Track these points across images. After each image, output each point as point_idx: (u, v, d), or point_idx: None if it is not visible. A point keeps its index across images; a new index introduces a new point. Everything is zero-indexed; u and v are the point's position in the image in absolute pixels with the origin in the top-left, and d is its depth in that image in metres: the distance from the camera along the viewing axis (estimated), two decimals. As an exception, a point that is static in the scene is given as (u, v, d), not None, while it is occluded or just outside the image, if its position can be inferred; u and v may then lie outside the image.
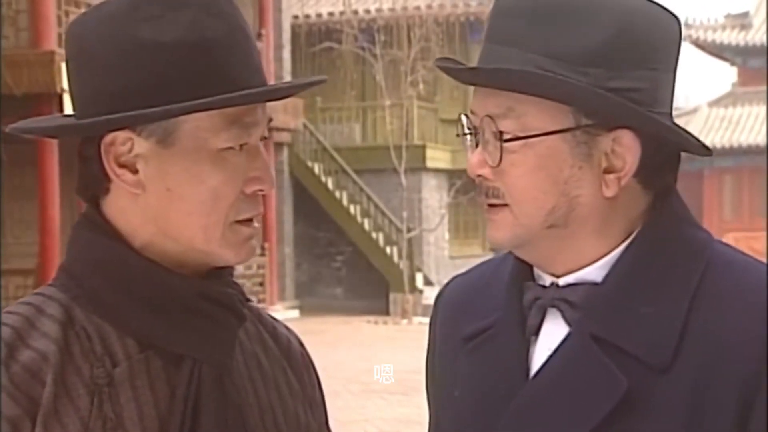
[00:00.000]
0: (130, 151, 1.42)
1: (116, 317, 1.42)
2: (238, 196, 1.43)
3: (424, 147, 23.25)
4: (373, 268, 22.65)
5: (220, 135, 1.41)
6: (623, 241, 1.44)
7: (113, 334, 1.42)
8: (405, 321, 20.38)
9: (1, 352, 1.36)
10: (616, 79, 1.38)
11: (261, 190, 1.45)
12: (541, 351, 1.44)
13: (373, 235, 22.85)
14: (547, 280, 1.47)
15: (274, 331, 1.61)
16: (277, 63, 22.31)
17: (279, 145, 22.14)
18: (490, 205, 1.44)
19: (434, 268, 23.59)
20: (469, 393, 1.50)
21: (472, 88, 1.46)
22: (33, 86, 14.23)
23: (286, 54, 23.60)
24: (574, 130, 1.39)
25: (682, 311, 1.38)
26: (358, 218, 22.95)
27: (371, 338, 17.78)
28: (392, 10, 24.40)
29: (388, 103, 22.73)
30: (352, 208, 23.02)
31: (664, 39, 1.43)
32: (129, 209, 1.44)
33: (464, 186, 21.33)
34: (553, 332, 1.44)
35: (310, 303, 22.54)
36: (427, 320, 1.70)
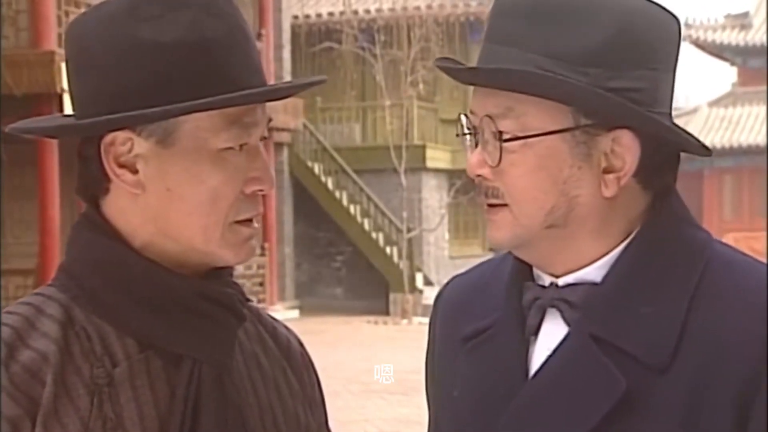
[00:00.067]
0: (129, 151, 1.42)
1: (116, 317, 1.42)
2: (238, 197, 1.43)
3: (424, 147, 23.25)
4: (373, 268, 22.65)
5: (220, 135, 1.41)
6: (622, 241, 1.43)
7: (113, 334, 1.42)
8: (405, 321, 20.38)
9: (1, 352, 1.36)
10: (615, 79, 1.39)
11: (261, 191, 1.45)
12: (541, 351, 1.44)
13: (373, 235, 22.85)
14: (547, 280, 1.47)
15: (274, 331, 1.61)
16: (277, 63, 22.31)
17: (279, 145, 22.14)
18: (490, 205, 1.44)
19: (434, 268, 23.60)
20: (468, 393, 1.50)
21: (472, 88, 1.46)
22: (33, 86, 14.24)
23: (286, 54, 23.60)
24: (574, 130, 1.39)
25: (681, 311, 1.38)
26: (358, 218, 22.95)
27: (371, 338, 17.78)
28: (392, 10, 24.40)
29: (388, 103, 22.72)
30: (352, 208, 23.02)
31: (663, 39, 1.43)
32: (129, 209, 1.44)
33: (464, 186, 21.33)
34: (552, 332, 1.44)
35: (310, 303, 22.54)
36: (427, 320, 1.70)
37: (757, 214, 32.62)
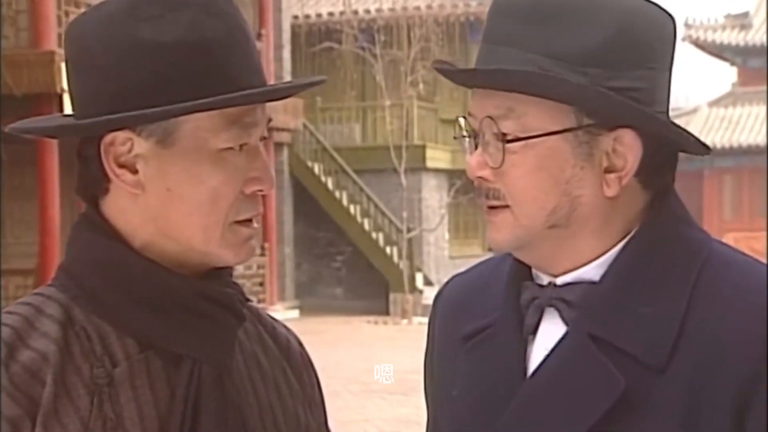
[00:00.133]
0: (129, 151, 1.42)
1: (116, 317, 1.42)
2: (238, 197, 1.43)
3: (424, 147, 23.26)
4: (373, 268, 22.65)
5: (220, 135, 1.41)
6: (621, 240, 1.44)
7: (113, 334, 1.42)
8: (405, 321, 20.38)
9: (1, 353, 1.36)
10: (615, 79, 1.39)
11: (260, 191, 1.45)
12: (539, 350, 1.45)
13: (373, 235, 22.85)
14: (545, 279, 1.47)
15: (274, 331, 1.61)
16: (277, 63, 22.31)
17: (279, 145, 22.14)
18: (491, 207, 1.44)
19: (434, 268, 23.60)
20: (467, 392, 1.50)
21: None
22: (33, 86, 14.24)
23: (286, 54, 23.60)
24: (576, 129, 1.39)
25: (680, 311, 1.38)
26: (358, 218, 22.95)
27: (371, 338, 17.78)
28: (392, 10, 24.40)
29: (388, 103, 22.72)
30: (352, 208, 23.02)
31: (661, 38, 1.44)
32: (128, 209, 1.44)
33: (464, 186, 21.33)
34: (550, 331, 1.44)
35: (310, 303, 22.54)
36: (427, 320, 1.70)
37: (757, 214, 32.62)
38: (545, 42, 1.38)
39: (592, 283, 1.43)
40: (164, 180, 1.41)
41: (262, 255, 20.04)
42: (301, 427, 1.56)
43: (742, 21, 37.55)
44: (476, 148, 1.43)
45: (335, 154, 23.43)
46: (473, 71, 1.42)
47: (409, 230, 22.08)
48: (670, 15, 1.44)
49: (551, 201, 1.40)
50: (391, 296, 21.66)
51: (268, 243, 20.51)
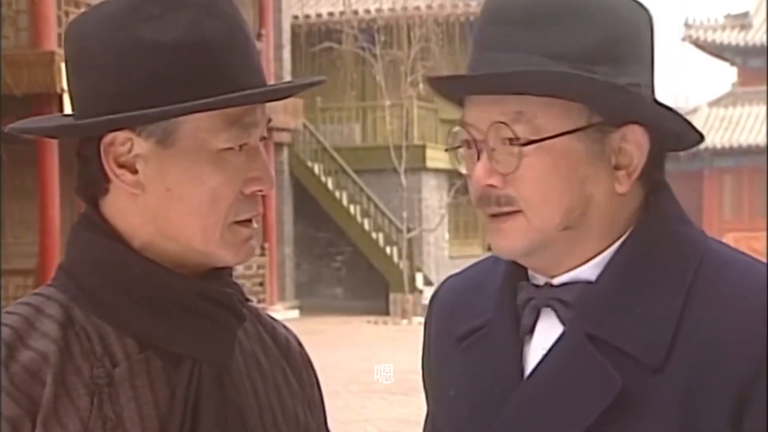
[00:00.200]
0: (129, 151, 1.42)
1: (116, 317, 1.42)
2: (238, 197, 1.43)
3: (424, 147, 23.26)
4: (373, 268, 22.65)
5: (220, 135, 1.41)
6: (617, 239, 1.43)
7: (113, 334, 1.42)
8: (405, 321, 20.39)
9: (1, 353, 1.36)
10: (621, 75, 1.39)
11: (260, 191, 1.45)
12: (536, 350, 1.44)
13: (373, 235, 22.86)
14: (541, 279, 1.46)
15: (273, 331, 1.61)
16: (277, 63, 22.32)
17: (279, 145, 22.14)
18: (500, 214, 1.41)
19: (434, 268, 23.60)
20: (463, 393, 1.50)
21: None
22: (33, 86, 14.25)
23: (286, 54, 23.60)
24: (587, 128, 1.39)
25: (677, 310, 1.38)
26: (358, 218, 22.96)
27: (371, 338, 17.79)
28: (392, 10, 24.40)
29: (388, 103, 22.73)
30: (352, 208, 23.02)
31: (646, 33, 1.45)
32: (128, 209, 1.44)
33: (464, 186, 21.01)
34: (547, 331, 1.44)
35: (310, 303, 22.54)
36: (427, 320, 1.70)
37: (757, 214, 32.62)
38: (547, 43, 1.38)
39: (589, 282, 1.43)
40: (164, 180, 1.41)
41: (262, 255, 20.05)
42: (300, 426, 1.56)
43: (742, 21, 37.56)
44: (478, 157, 1.41)
45: (335, 154, 23.43)
46: (485, 77, 1.39)
47: (409, 230, 22.08)
48: (646, 10, 1.45)
49: (566, 201, 1.40)
50: (391, 296, 21.66)
51: (268, 243, 20.51)
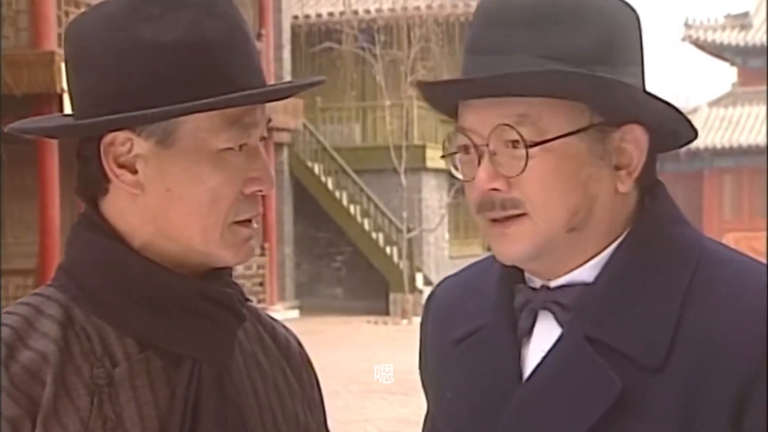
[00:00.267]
0: (129, 151, 1.42)
1: (116, 317, 1.42)
2: (238, 197, 1.43)
3: (424, 147, 23.25)
4: (373, 268, 22.65)
5: (220, 135, 1.41)
6: (614, 240, 1.43)
7: (113, 334, 1.42)
8: (405, 321, 20.39)
9: (1, 353, 1.36)
10: (620, 75, 1.39)
11: (260, 191, 1.45)
12: (534, 353, 1.44)
13: (373, 235, 22.86)
14: (537, 282, 1.46)
15: (273, 331, 1.61)
16: (277, 63, 22.32)
17: (279, 145, 22.15)
18: (505, 218, 1.40)
19: (434, 268, 23.60)
20: (461, 395, 1.49)
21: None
22: (33, 86, 14.25)
23: (286, 54, 23.60)
24: (590, 128, 1.39)
25: (675, 310, 1.38)
26: (358, 218, 22.96)
27: (371, 338, 17.79)
28: (392, 10, 24.40)
29: (388, 103, 22.73)
30: (352, 208, 23.02)
31: (637, 33, 1.45)
32: (128, 209, 1.44)
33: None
34: (545, 334, 1.43)
35: (310, 303, 22.54)
36: (427, 320, 1.70)
37: (757, 214, 32.62)
38: (544, 45, 1.38)
39: (586, 284, 1.42)
40: (164, 180, 1.41)
41: (262, 255, 20.05)
42: (300, 426, 1.56)
43: (742, 21, 37.57)
44: (479, 162, 1.41)
45: (335, 154, 23.43)
46: (491, 79, 1.38)
47: (409, 230, 22.08)
48: (634, 10, 1.45)
49: (572, 202, 1.39)
50: (391, 296, 21.67)
51: (268, 243, 20.51)
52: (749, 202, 34.34)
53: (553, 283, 1.44)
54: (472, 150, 1.42)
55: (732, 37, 37.23)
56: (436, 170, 23.77)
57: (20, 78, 14.23)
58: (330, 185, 23.26)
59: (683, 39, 38.42)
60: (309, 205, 23.10)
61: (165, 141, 1.41)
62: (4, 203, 15.81)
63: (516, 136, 1.38)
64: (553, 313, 1.43)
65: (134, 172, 1.42)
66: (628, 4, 1.45)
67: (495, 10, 1.41)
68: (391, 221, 22.85)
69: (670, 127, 1.44)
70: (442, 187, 24.28)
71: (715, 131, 34.59)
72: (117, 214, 1.45)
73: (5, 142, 13.30)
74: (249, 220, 1.45)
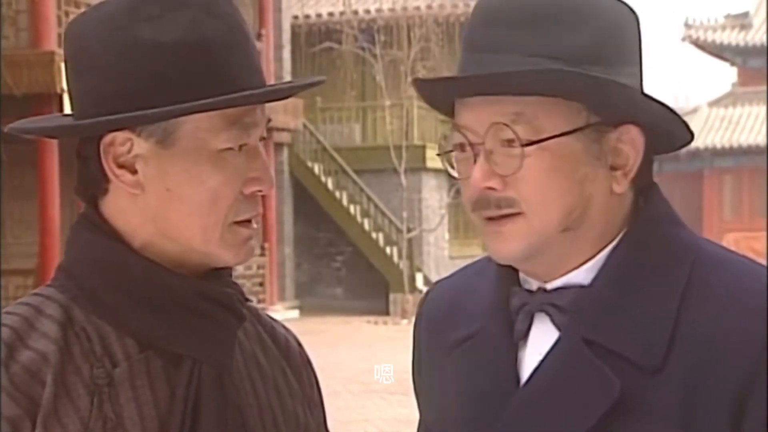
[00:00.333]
0: (129, 151, 1.42)
1: (116, 317, 1.42)
2: (237, 197, 1.43)
3: (424, 147, 23.25)
4: (373, 268, 22.66)
5: (220, 135, 1.41)
6: (610, 242, 1.43)
7: (113, 334, 1.42)
8: (405, 321, 20.38)
9: (1, 353, 1.36)
10: (616, 76, 1.39)
11: (260, 191, 1.45)
12: (531, 356, 1.43)
13: (373, 235, 22.87)
14: (534, 284, 1.46)
15: (273, 331, 1.61)
16: (277, 63, 22.32)
17: (279, 146, 22.15)
18: (500, 217, 1.40)
19: (434, 268, 23.60)
20: (458, 400, 1.48)
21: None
22: (33, 86, 14.25)
23: (286, 54, 23.61)
24: (586, 128, 1.39)
25: (672, 311, 1.37)
26: (358, 218, 22.96)
27: (371, 338, 17.79)
28: (392, 10, 24.41)
29: (388, 103, 22.74)
30: (352, 209, 23.03)
31: (636, 34, 1.45)
32: (128, 209, 1.44)
33: (464, 186, 21.27)
34: (542, 337, 1.43)
35: (310, 303, 22.55)
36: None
37: (757, 214, 32.61)
38: (541, 45, 1.38)
39: (582, 286, 1.42)
40: (164, 180, 1.41)
41: (262, 255, 20.05)
42: (300, 426, 1.56)
43: (742, 21, 37.58)
44: (475, 160, 1.40)
45: (335, 154, 23.44)
46: (485, 77, 1.38)
47: (409, 230, 22.09)
48: (633, 11, 1.45)
49: (567, 202, 1.39)
50: (391, 296, 21.67)
51: (268, 243, 20.52)
52: (749, 202, 34.34)
53: (549, 286, 1.44)
54: (468, 148, 1.41)
55: (732, 37, 37.24)
56: (436, 170, 23.77)
57: (20, 78, 14.24)
58: (330, 185, 23.26)
59: (683, 39, 38.43)
60: (309, 205, 23.11)
61: (165, 141, 1.41)
62: (4, 203, 15.82)
63: (511, 135, 1.38)
64: (549, 315, 1.43)
65: (134, 172, 1.42)
66: (626, 5, 1.45)
67: (493, 8, 1.41)
68: (391, 221, 22.86)
69: (666, 128, 1.43)
70: (442, 187, 24.29)
71: (715, 131, 34.59)
72: (117, 214, 1.45)
73: (5, 142, 13.30)
74: (249, 220, 1.45)
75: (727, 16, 38.16)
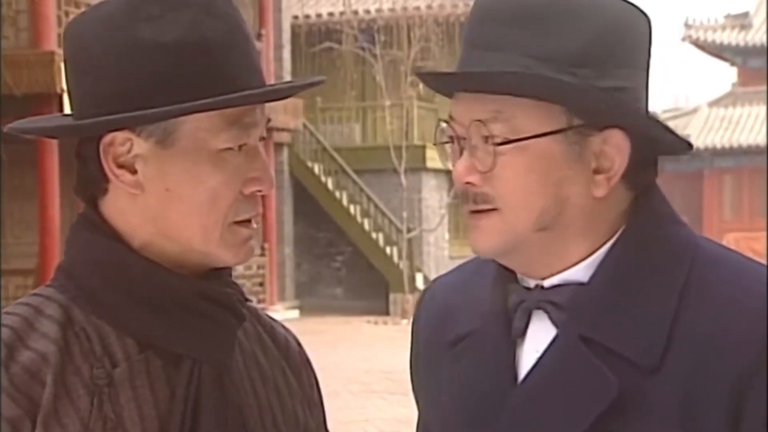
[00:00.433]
0: (129, 151, 1.42)
1: (115, 317, 1.42)
2: (237, 197, 1.43)
3: (424, 147, 23.25)
4: (373, 268, 22.66)
5: (220, 135, 1.41)
6: (608, 240, 1.43)
7: (112, 334, 1.42)
8: (405, 321, 20.37)
9: (1, 353, 1.36)
10: (603, 79, 1.39)
11: (260, 191, 1.45)
12: (529, 353, 1.44)
13: (373, 235, 22.87)
14: (531, 282, 1.46)
15: (273, 330, 1.61)
16: (277, 63, 22.32)
17: (279, 146, 22.15)
18: (477, 211, 1.42)
19: (434, 268, 23.59)
20: (457, 398, 1.48)
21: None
22: (33, 86, 14.26)
23: (286, 54, 23.61)
24: (566, 130, 1.39)
25: (670, 310, 1.37)
26: (358, 218, 22.96)
27: (371, 338, 17.79)
28: (392, 10, 24.41)
29: (388, 103, 22.74)
30: (352, 209, 23.03)
31: (639, 37, 1.44)
32: (128, 209, 1.44)
33: (464, 186, 21.25)
34: (539, 334, 1.43)
35: (310, 303, 22.55)
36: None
37: (757, 214, 32.63)
38: (531, 45, 1.38)
39: (581, 284, 1.42)
40: (163, 180, 1.41)
41: (262, 255, 20.05)
42: (300, 426, 1.56)
43: (742, 21, 37.58)
44: (461, 153, 1.42)
45: (335, 154, 23.44)
46: (461, 74, 1.41)
47: (409, 230, 22.08)
48: (645, 14, 1.44)
49: (541, 202, 1.40)
50: (391, 296, 21.67)
51: (268, 243, 20.52)
52: (749, 202, 34.34)
53: (546, 283, 1.44)
54: (456, 141, 1.43)
55: (732, 37, 37.24)
56: (436, 170, 23.78)
57: (20, 78, 14.24)
58: (330, 185, 23.26)
59: (683, 39, 38.43)
60: (309, 205, 23.11)
61: (165, 141, 1.41)
62: (4, 203, 15.82)
63: (488, 132, 1.39)
64: (547, 312, 1.43)
65: (134, 172, 1.42)
66: (633, 5, 1.44)
67: (489, 5, 1.42)
68: (391, 221, 22.86)
69: (656, 135, 1.43)
70: (442, 187, 24.29)
71: (715, 131, 34.59)
72: (116, 214, 1.45)
73: (5, 142, 13.30)
74: (249, 220, 1.45)
75: (727, 16, 38.16)
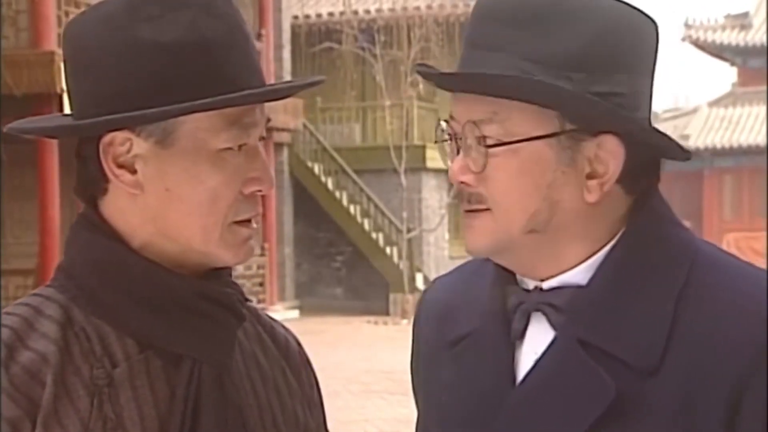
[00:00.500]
0: (128, 151, 1.42)
1: (115, 317, 1.42)
2: (237, 197, 1.43)
3: (424, 147, 23.24)
4: (373, 268, 22.65)
5: (220, 135, 1.41)
6: (607, 243, 1.43)
7: (112, 334, 1.42)
8: (405, 321, 20.37)
9: (1, 354, 1.36)
10: (598, 84, 1.38)
11: (260, 191, 1.45)
12: (527, 355, 1.43)
13: (373, 235, 22.86)
14: (530, 283, 1.46)
15: (272, 330, 1.61)
16: (277, 63, 22.32)
17: (279, 146, 22.15)
18: (471, 211, 1.43)
19: (434, 268, 23.59)
20: (456, 399, 1.48)
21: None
22: (33, 86, 14.25)
23: (286, 54, 23.61)
24: (559, 134, 1.39)
25: (669, 313, 1.37)
26: (358, 218, 22.96)
27: (371, 338, 17.79)
28: (392, 10, 24.40)
29: (388, 103, 22.73)
30: (352, 209, 23.03)
31: (642, 43, 1.43)
32: (127, 209, 1.44)
33: (464, 186, 21.25)
34: (538, 336, 1.43)
35: (310, 303, 22.54)
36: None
37: (757, 214, 32.61)
38: (529, 47, 1.38)
39: (580, 287, 1.42)
40: (163, 180, 1.41)
41: (262, 255, 20.04)
42: (300, 426, 1.56)
43: (742, 21, 37.58)
44: (458, 152, 1.43)
45: (335, 154, 23.43)
46: (456, 75, 1.41)
47: (409, 230, 22.08)
48: (651, 19, 1.43)
49: (532, 205, 1.39)
50: (391, 296, 21.66)
51: (268, 243, 20.51)
52: (749, 202, 34.33)
53: (545, 285, 1.44)
54: (454, 140, 1.44)
55: (732, 37, 37.24)
56: (436, 170, 23.77)
57: (20, 78, 14.23)
58: (330, 185, 23.26)
59: (683, 39, 38.43)
60: (309, 205, 23.10)
61: (164, 141, 1.41)
62: (4, 203, 15.82)
63: (480, 134, 1.39)
64: (546, 315, 1.43)
65: (133, 172, 1.42)
66: (640, 12, 1.42)
67: (488, 6, 1.42)
68: (391, 221, 22.85)
69: (653, 141, 1.42)
70: (442, 187, 24.28)
71: (715, 131, 34.59)
72: (116, 214, 1.45)
73: (5, 142, 13.30)
74: (248, 220, 1.45)
75: (727, 16, 38.16)
